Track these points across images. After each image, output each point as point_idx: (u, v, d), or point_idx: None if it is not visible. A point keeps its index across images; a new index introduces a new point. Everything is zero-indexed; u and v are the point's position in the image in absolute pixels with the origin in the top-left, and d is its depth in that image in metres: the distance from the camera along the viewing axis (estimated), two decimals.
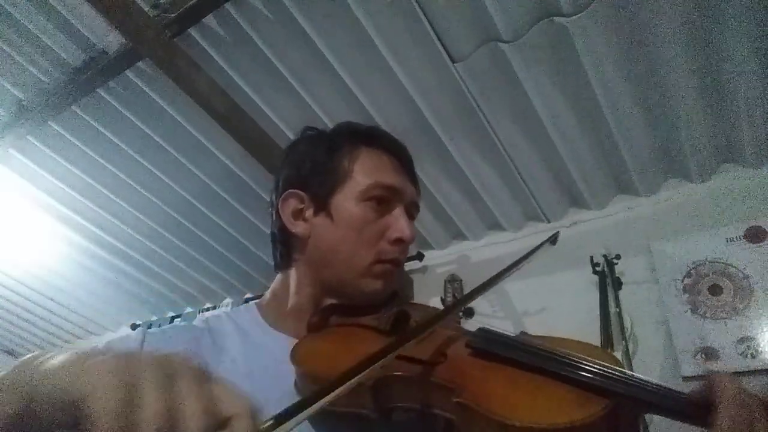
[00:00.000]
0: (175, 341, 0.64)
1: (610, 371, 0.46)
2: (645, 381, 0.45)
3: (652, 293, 1.83)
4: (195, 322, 0.70)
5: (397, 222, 0.67)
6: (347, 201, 0.66)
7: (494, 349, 0.53)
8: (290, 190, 0.69)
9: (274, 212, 0.72)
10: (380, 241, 0.66)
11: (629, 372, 0.47)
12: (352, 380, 0.43)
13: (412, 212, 0.72)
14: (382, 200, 0.67)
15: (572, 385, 0.46)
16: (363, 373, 0.44)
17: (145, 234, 2.71)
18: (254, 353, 0.64)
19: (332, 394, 0.41)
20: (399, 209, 0.68)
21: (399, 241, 0.66)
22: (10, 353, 4.28)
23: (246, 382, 0.59)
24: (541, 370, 0.48)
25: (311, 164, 0.69)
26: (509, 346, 0.52)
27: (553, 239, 0.72)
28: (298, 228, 0.68)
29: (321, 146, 0.71)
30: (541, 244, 0.70)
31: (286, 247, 0.71)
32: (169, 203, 2.50)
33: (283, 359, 0.59)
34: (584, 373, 0.46)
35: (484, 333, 0.56)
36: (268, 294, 0.74)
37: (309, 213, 0.68)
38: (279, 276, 0.73)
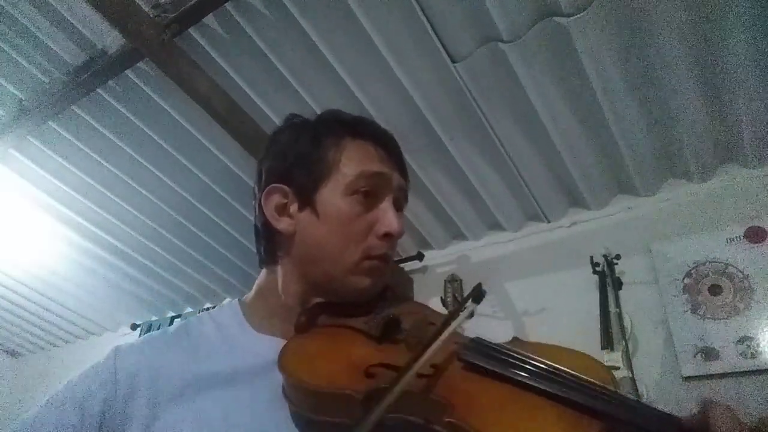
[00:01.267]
0: (147, 353, 0.62)
1: (603, 392, 0.45)
2: (639, 404, 0.45)
3: (652, 293, 1.83)
4: (171, 328, 0.68)
5: (385, 216, 0.64)
6: (333, 195, 0.64)
7: (486, 364, 0.51)
8: (273, 185, 0.67)
9: (256, 206, 0.69)
10: (368, 237, 0.64)
11: (623, 394, 0.46)
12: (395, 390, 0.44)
13: (400, 202, 0.69)
14: (368, 193, 0.64)
15: (565, 405, 0.45)
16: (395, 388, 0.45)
17: (145, 234, 2.71)
18: (238, 356, 0.62)
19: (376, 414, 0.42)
20: (387, 202, 0.65)
21: (387, 236, 0.64)
22: (10, 353, 4.28)
23: (230, 387, 0.58)
24: (534, 389, 0.47)
25: (295, 156, 0.67)
26: (502, 362, 0.51)
27: (476, 296, 0.62)
28: (282, 224, 0.66)
29: (305, 137, 0.68)
30: (464, 302, 0.61)
31: (270, 243, 0.69)
32: (169, 203, 2.50)
33: (269, 362, 0.57)
34: (577, 394, 0.46)
35: (477, 345, 0.54)
36: (253, 291, 0.72)
37: (293, 208, 0.65)
38: (264, 272, 0.71)
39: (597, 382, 0.47)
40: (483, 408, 0.47)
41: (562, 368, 0.49)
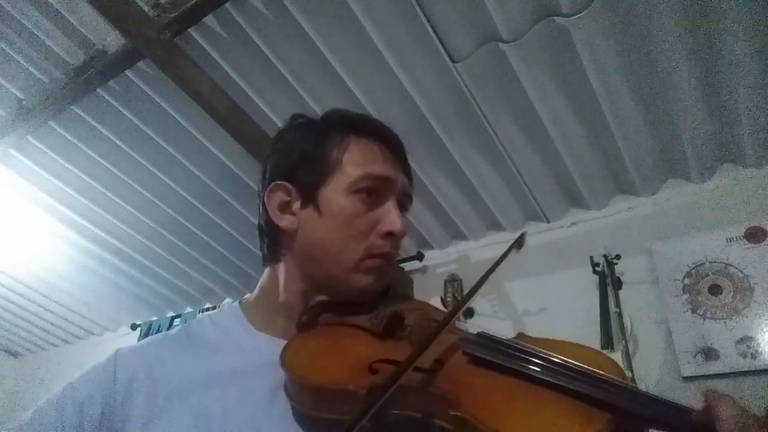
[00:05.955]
0: (147, 355, 0.62)
1: (613, 384, 0.45)
2: (649, 395, 0.44)
3: (652, 293, 1.83)
4: (172, 330, 0.68)
5: (389, 215, 0.63)
6: (336, 193, 0.63)
7: (493, 357, 0.50)
8: (277, 182, 0.66)
9: (260, 204, 0.69)
10: (370, 235, 0.63)
11: (632, 385, 0.45)
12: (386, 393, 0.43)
13: (404, 204, 0.68)
14: (372, 192, 0.63)
15: (574, 398, 0.44)
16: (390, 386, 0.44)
17: (145, 234, 2.71)
18: (238, 356, 0.62)
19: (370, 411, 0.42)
20: (390, 201, 0.64)
21: (390, 235, 0.63)
22: (10, 353, 4.28)
23: (229, 386, 0.58)
24: (542, 381, 0.47)
25: (299, 154, 0.66)
26: (508, 355, 0.50)
27: (519, 243, 0.66)
28: (284, 221, 0.65)
29: (309, 135, 0.67)
30: (509, 249, 0.64)
31: (273, 241, 0.68)
32: (169, 203, 2.50)
33: (269, 361, 0.56)
34: (586, 386, 0.44)
35: (482, 340, 0.53)
36: (255, 290, 0.72)
37: (296, 206, 0.65)
38: (267, 270, 0.71)
39: (606, 374, 0.46)
40: (490, 401, 0.46)
41: (570, 360, 0.48)
